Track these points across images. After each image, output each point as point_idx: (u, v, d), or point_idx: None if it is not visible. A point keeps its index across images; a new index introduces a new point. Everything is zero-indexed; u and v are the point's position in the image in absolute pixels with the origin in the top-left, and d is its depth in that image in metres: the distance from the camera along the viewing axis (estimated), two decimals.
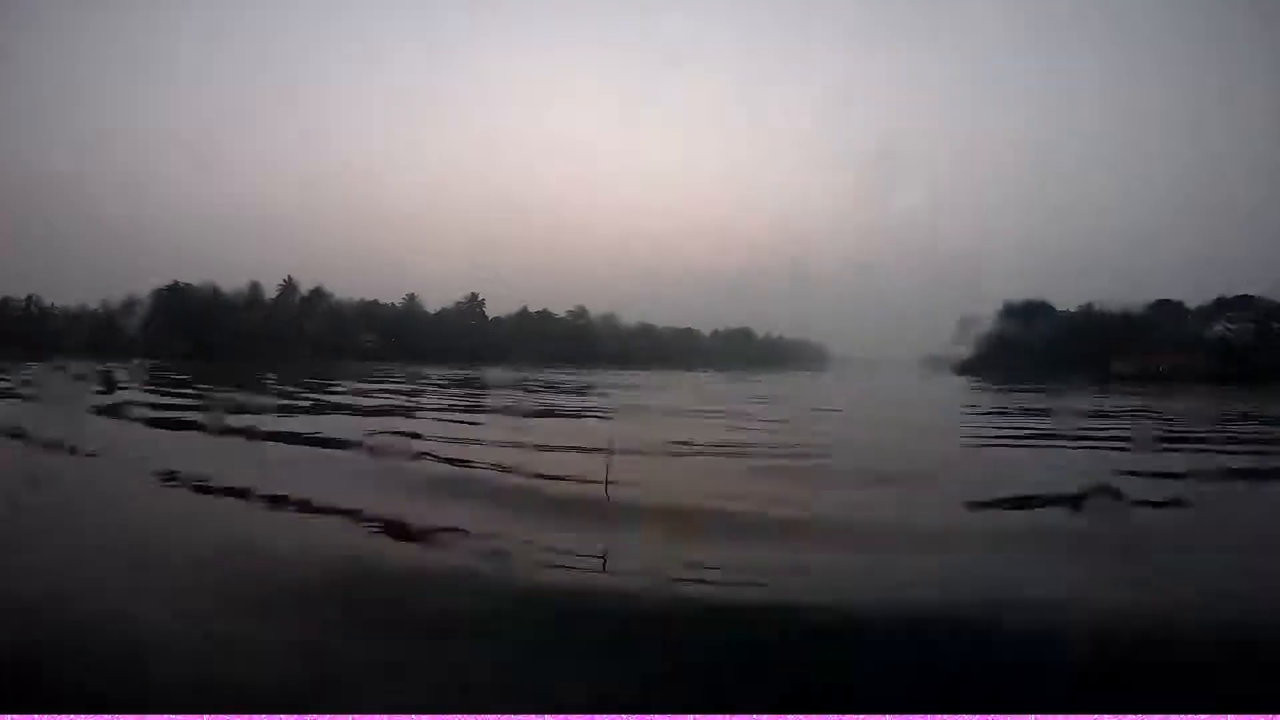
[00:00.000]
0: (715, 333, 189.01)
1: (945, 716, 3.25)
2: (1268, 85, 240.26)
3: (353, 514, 6.87)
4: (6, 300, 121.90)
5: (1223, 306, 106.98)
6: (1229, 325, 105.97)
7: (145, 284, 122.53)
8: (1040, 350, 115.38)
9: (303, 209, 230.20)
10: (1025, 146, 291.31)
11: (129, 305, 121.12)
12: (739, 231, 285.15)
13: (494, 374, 60.78)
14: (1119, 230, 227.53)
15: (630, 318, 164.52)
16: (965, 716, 3.22)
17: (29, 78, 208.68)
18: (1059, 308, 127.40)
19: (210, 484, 8.07)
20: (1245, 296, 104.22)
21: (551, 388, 39.38)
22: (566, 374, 62.30)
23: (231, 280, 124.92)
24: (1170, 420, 25.25)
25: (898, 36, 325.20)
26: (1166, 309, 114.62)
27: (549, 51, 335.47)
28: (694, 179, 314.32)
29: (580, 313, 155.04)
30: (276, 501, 7.32)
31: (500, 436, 15.11)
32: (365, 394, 30.27)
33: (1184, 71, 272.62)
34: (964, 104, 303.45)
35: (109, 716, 2.92)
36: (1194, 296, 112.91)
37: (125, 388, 30.94)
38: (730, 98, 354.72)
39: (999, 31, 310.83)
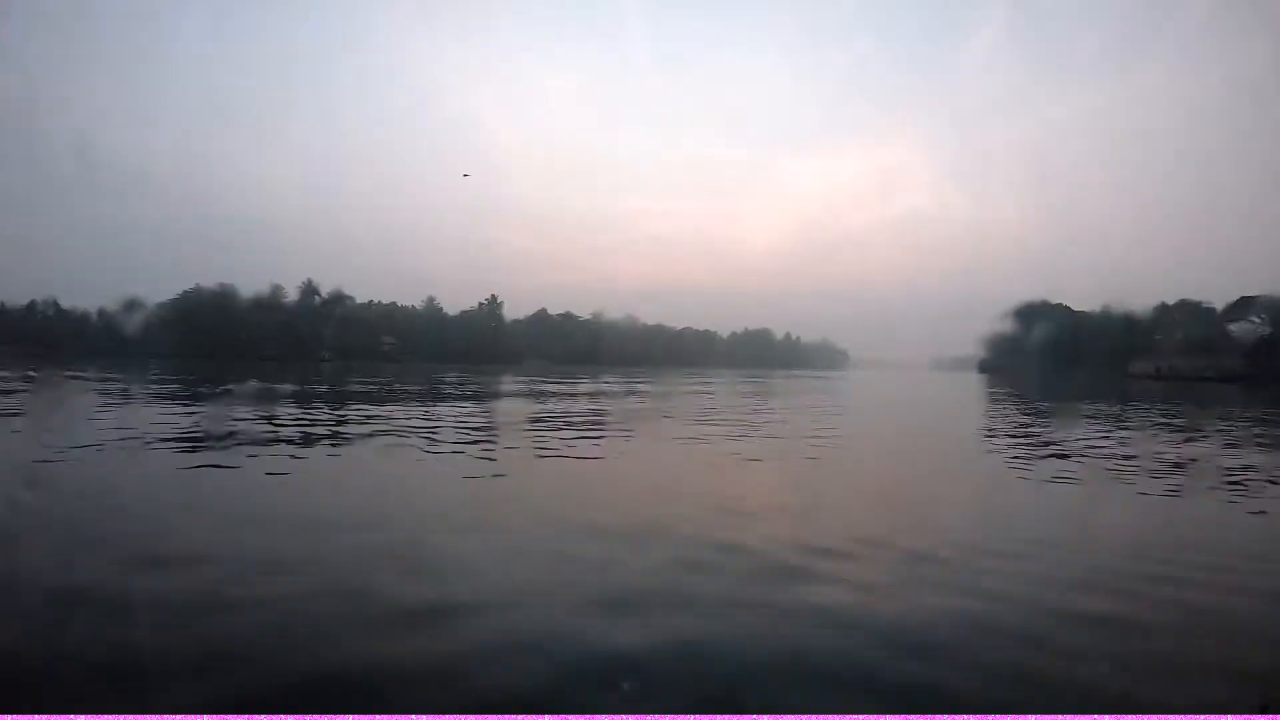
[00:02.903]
0: (733, 334, 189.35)
1: (945, 717, 3.25)
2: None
3: None
4: (33, 303, 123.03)
5: (1244, 306, 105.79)
6: (1251, 325, 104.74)
7: (157, 287, 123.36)
8: (1058, 350, 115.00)
9: (320, 212, 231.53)
10: (1031, 147, 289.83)
11: (142, 306, 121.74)
12: (753, 235, 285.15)
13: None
14: (1135, 231, 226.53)
15: (648, 319, 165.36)
16: (965, 717, 3.22)
17: (31, 79, 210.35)
18: (1076, 308, 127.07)
19: None
20: (1265, 296, 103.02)
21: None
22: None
23: (251, 283, 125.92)
24: None
25: (900, 35, 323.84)
26: (1185, 309, 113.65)
27: (565, 55, 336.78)
28: (707, 181, 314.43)
29: (598, 315, 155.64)
30: None
31: None
32: None
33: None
34: (968, 104, 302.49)
35: (109, 717, 2.95)
36: (1214, 296, 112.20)
37: None
38: (743, 95, 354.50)
39: (1003, 30, 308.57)
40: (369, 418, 17.14)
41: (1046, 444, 14.76)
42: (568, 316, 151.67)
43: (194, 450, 10.71)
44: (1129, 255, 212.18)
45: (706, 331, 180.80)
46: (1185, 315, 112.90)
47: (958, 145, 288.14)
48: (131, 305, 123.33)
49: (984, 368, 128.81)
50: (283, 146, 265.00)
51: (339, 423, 16.05)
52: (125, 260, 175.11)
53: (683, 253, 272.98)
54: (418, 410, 20.02)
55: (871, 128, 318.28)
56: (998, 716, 3.17)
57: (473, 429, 15.29)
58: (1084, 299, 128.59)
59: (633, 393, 33.68)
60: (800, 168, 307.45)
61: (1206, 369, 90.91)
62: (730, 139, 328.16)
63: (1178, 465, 11.47)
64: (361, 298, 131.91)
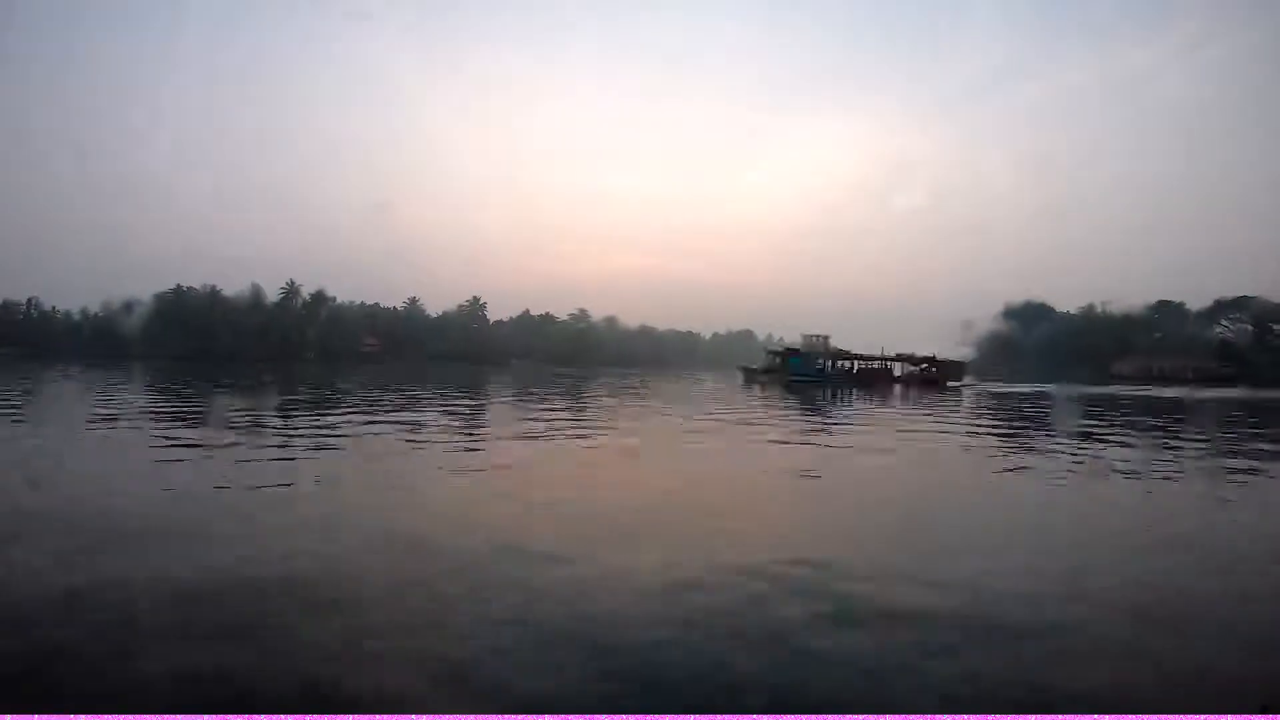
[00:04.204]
0: (716, 335, 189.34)
1: (945, 716, 3.25)
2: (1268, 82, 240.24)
3: None
4: (6, 303, 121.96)
5: (1223, 308, 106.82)
6: (1228, 326, 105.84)
7: (145, 287, 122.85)
8: (1041, 351, 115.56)
9: (304, 211, 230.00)
10: (1026, 146, 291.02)
11: (130, 308, 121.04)
12: (741, 233, 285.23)
13: None
14: (1119, 231, 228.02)
15: (631, 320, 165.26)
16: (965, 716, 3.22)
17: (29, 80, 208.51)
18: (1059, 309, 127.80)
19: None
20: (1245, 297, 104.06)
21: None
22: None
23: (233, 283, 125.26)
24: None
25: (899, 38, 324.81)
26: (1167, 310, 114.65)
27: (549, 51, 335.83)
28: (696, 181, 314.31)
29: (581, 316, 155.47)
30: None
31: None
32: None
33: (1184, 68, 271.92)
34: (965, 105, 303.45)
35: (109, 717, 2.92)
36: (1194, 298, 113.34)
37: None
38: (732, 101, 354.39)
39: (999, 31, 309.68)
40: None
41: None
42: (548, 318, 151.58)
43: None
44: (1120, 253, 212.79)
45: (689, 333, 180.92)
46: (1166, 316, 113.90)
47: (953, 135, 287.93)
48: (112, 307, 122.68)
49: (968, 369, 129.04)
50: (256, 147, 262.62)
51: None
52: (107, 261, 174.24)
53: (668, 244, 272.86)
54: None
55: (861, 112, 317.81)
56: (998, 716, 3.18)
57: None
58: (1072, 299, 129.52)
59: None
60: (785, 158, 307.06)
61: (1186, 370, 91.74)
62: (711, 125, 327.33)
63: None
64: (343, 298, 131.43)
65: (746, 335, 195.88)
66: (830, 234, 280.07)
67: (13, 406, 21.41)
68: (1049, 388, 56.02)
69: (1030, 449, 15.77)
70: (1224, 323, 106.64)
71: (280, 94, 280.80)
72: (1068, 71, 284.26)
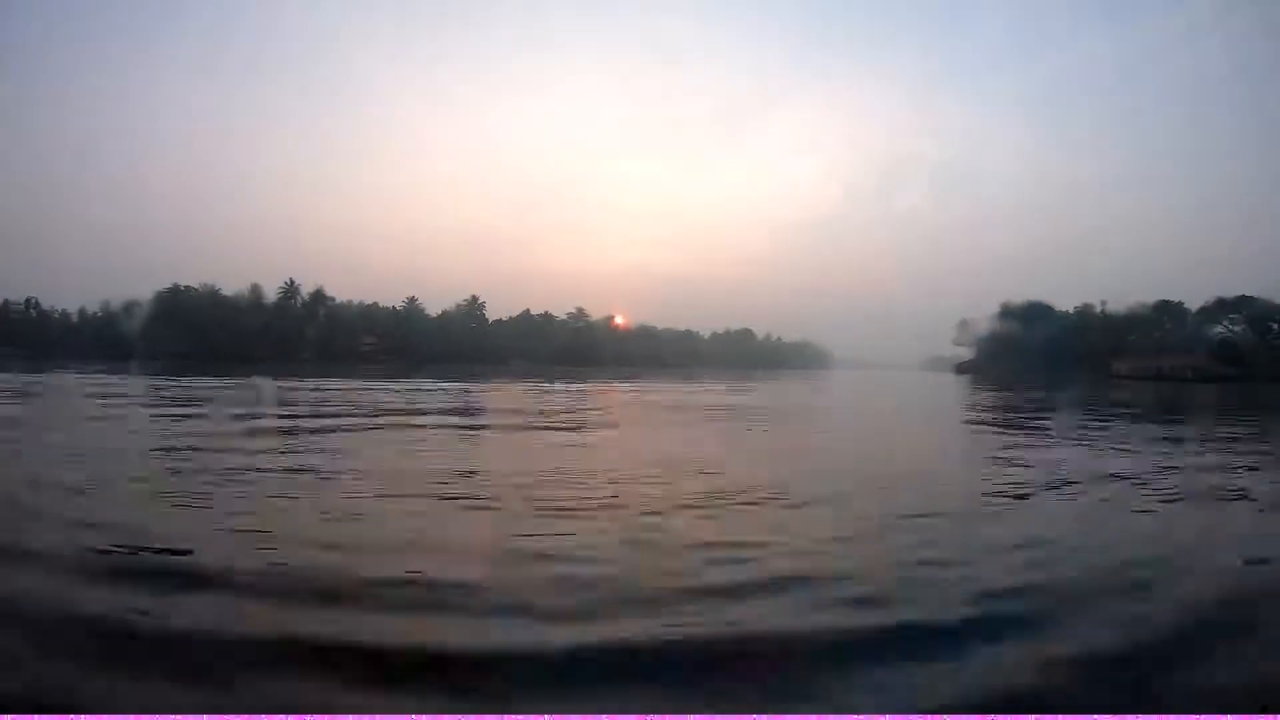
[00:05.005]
0: (715, 335, 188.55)
1: (945, 716, 3.25)
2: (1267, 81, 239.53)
3: None
4: (6, 303, 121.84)
5: (1223, 307, 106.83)
6: (1230, 326, 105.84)
7: (145, 287, 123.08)
8: (1040, 351, 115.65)
9: (303, 209, 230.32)
10: (1025, 146, 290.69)
11: (129, 308, 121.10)
12: (740, 233, 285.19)
13: None
14: (1119, 231, 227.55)
15: (630, 320, 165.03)
16: (965, 716, 3.22)
17: (29, 81, 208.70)
18: (1058, 309, 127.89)
19: None
20: (1245, 297, 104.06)
21: None
22: None
23: (232, 283, 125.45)
24: None
25: (900, 38, 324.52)
26: (1166, 310, 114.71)
27: (550, 50, 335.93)
28: (696, 181, 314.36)
29: (580, 315, 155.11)
30: None
31: None
32: None
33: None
34: (966, 106, 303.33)
35: (109, 716, 2.91)
36: (1193, 297, 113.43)
37: None
38: (734, 98, 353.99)
39: (1000, 33, 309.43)
40: None
41: None
42: (548, 318, 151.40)
43: None
44: (1120, 253, 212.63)
45: (688, 331, 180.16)
46: (1165, 316, 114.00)
47: (952, 126, 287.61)
48: (110, 307, 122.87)
49: (963, 369, 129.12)
50: (262, 146, 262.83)
51: None
52: (106, 262, 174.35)
53: (665, 239, 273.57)
54: None
55: (861, 103, 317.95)
56: (998, 716, 3.18)
57: None
58: (1070, 298, 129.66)
59: None
60: (783, 152, 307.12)
61: (1185, 369, 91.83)
62: (709, 118, 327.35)
63: None
64: (342, 298, 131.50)
65: (746, 335, 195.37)
66: (830, 231, 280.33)
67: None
68: None
69: None
70: (1224, 323, 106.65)
71: (279, 94, 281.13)
72: (1075, 47, 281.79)
